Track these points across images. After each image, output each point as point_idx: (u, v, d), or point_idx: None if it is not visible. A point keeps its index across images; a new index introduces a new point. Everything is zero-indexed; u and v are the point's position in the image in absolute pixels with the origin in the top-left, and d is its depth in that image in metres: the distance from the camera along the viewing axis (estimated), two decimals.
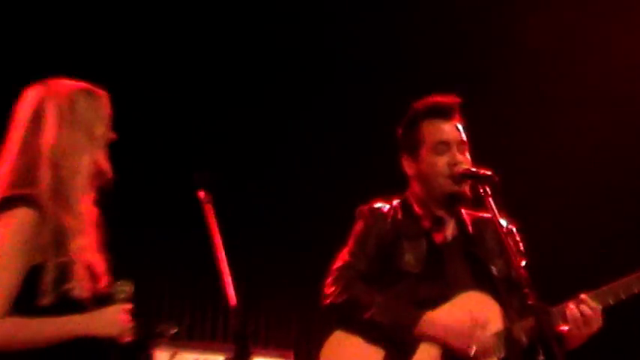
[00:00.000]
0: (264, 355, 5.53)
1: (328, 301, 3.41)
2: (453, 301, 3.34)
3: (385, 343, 3.32)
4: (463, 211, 3.51)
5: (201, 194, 3.16)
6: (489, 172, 3.27)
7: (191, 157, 3.90)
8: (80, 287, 2.72)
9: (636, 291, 3.26)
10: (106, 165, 2.89)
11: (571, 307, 3.23)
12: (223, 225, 3.13)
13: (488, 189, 3.23)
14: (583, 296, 3.24)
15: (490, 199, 3.21)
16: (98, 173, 2.87)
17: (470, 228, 3.49)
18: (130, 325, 2.82)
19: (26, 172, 2.76)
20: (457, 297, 3.35)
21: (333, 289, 3.40)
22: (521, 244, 3.42)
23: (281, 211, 6.19)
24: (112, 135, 2.94)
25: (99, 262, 2.86)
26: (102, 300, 2.81)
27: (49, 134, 2.80)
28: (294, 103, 6.05)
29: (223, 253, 3.06)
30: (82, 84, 2.93)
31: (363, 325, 3.34)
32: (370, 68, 5.89)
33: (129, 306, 2.84)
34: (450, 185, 3.40)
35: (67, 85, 2.91)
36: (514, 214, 3.37)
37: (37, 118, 2.83)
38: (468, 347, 3.25)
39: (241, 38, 5.85)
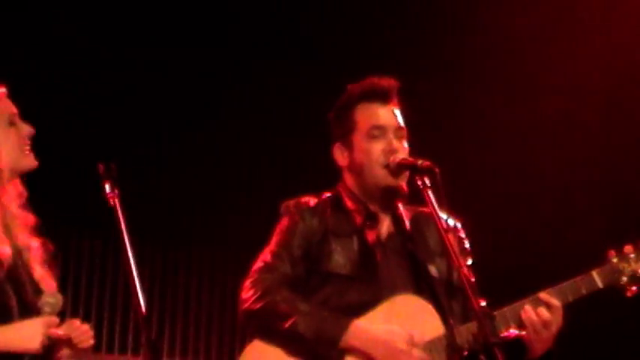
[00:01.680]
0: None
1: (245, 306, 3.09)
2: (384, 305, 3.05)
3: (307, 356, 3.02)
4: (400, 205, 3.22)
5: (107, 188, 2.83)
6: (429, 163, 3.00)
7: (93, 147, 3.65)
8: None
9: (601, 286, 3.04)
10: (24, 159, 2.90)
11: (527, 310, 2.97)
12: (132, 224, 2.80)
13: (427, 181, 2.96)
14: (541, 295, 2.99)
15: (429, 193, 2.94)
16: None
17: (408, 225, 3.20)
18: (52, 338, 2.72)
19: None
20: (390, 301, 3.06)
21: (250, 293, 3.08)
22: (466, 242, 3.18)
23: (198, 208, 5.97)
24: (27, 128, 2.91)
25: (36, 261, 2.86)
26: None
27: None
28: (208, 87, 5.84)
29: (131, 257, 2.75)
30: None
31: (282, 336, 3.03)
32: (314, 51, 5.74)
33: (53, 320, 2.75)
34: (385, 176, 3.11)
35: None
36: (459, 209, 3.13)
37: None
38: None
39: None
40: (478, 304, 2.73)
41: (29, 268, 2.86)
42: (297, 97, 5.42)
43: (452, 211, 3.13)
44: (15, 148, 2.84)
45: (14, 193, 2.89)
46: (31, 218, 2.91)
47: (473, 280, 2.87)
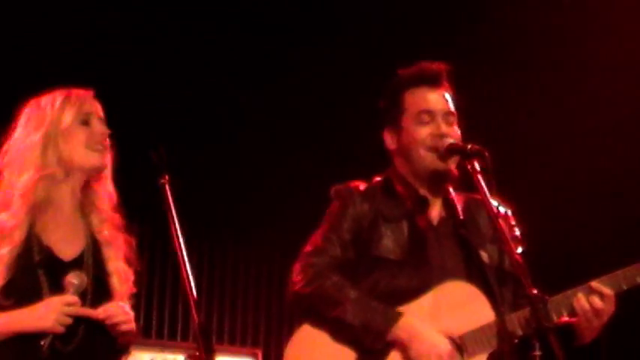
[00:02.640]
0: (230, 352, 5.45)
1: (294, 290, 3.11)
2: (434, 291, 3.06)
3: (354, 344, 3.04)
4: (451, 190, 3.22)
5: (158, 176, 2.88)
6: (479, 147, 2.98)
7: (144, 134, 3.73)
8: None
9: None
10: None
11: (579, 298, 2.97)
12: (182, 211, 2.86)
13: (477, 166, 2.94)
14: (593, 284, 2.98)
15: (480, 177, 2.92)
16: None
17: (459, 210, 3.19)
18: (67, 317, 2.77)
19: None
20: (439, 287, 3.06)
21: (301, 276, 3.11)
22: (516, 229, 3.14)
23: (249, 195, 6.04)
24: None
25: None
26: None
27: None
28: (258, 72, 5.86)
29: (182, 243, 2.82)
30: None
31: (330, 322, 3.05)
32: (355, 40, 5.73)
33: (73, 299, 2.79)
34: (433, 160, 3.12)
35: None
36: (509, 195, 3.10)
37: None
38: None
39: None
40: (531, 290, 2.71)
41: (104, 261, 2.95)
42: (350, 82, 5.43)
43: (502, 198, 3.09)
44: (81, 146, 2.95)
45: (102, 191, 3.02)
46: (117, 217, 3.03)
47: (525, 266, 2.87)
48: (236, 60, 5.83)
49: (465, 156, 2.99)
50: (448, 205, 3.21)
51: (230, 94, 5.89)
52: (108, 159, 3.03)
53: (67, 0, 5.30)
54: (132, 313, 2.92)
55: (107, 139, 3.00)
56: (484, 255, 3.14)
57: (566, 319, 3.02)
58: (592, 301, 2.95)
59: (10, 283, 2.78)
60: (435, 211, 3.20)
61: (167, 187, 2.84)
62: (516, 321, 2.98)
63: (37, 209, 2.87)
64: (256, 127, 6.01)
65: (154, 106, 5.62)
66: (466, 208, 3.21)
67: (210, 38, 5.67)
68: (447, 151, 3.07)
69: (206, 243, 6.18)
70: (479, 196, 3.04)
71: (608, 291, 2.96)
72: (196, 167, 5.59)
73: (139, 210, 3.35)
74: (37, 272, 2.82)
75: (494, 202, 2.99)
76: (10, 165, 2.93)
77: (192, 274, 2.77)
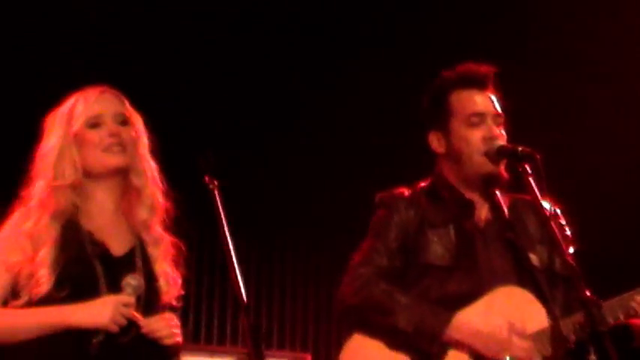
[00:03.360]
0: (279, 357, 5.54)
1: (343, 301, 3.13)
2: (486, 297, 3.05)
3: (408, 350, 3.04)
4: (498, 192, 3.19)
5: (207, 180, 2.89)
6: (529, 149, 2.96)
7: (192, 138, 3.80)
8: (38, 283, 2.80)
9: None
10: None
11: (638, 300, 2.94)
12: (231, 216, 2.85)
13: (528, 168, 2.91)
14: None
15: (530, 179, 2.89)
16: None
17: (506, 212, 3.17)
18: (123, 317, 2.79)
19: None
20: (491, 292, 3.05)
21: (349, 288, 3.12)
22: (567, 229, 3.12)
23: (298, 202, 6.05)
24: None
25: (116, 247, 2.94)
26: None
27: None
28: (310, 75, 5.89)
29: (232, 248, 2.81)
30: None
31: (382, 330, 3.06)
32: (394, 42, 5.73)
33: (130, 300, 2.81)
34: (485, 164, 3.10)
35: None
36: (558, 197, 3.09)
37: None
38: (501, 355, 2.97)
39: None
40: (585, 292, 2.67)
41: (151, 262, 2.96)
42: (396, 88, 5.40)
43: (552, 198, 3.07)
44: (96, 150, 2.93)
45: (146, 191, 2.99)
46: (163, 218, 3.03)
47: (578, 268, 2.84)
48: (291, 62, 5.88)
49: (516, 158, 2.97)
50: (495, 207, 3.20)
51: (282, 96, 5.93)
52: (131, 156, 2.97)
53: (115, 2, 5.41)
54: (177, 324, 2.92)
55: (124, 135, 2.95)
56: (533, 257, 3.12)
57: (622, 320, 2.97)
58: None
59: (63, 274, 2.79)
60: (482, 214, 3.19)
61: (216, 191, 2.83)
62: (570, 326, 2.95)
63: (68, 215, 2.88)
64: (306, 129, 6.03)
65: (203, 109, 5.67)
66: (512, 210, 3.19)
67: (260, 42, 5.72)
68: (498, 154, 3.06)
69: (255, 248, 6.23)
70: (526, 197, 3.04)
71: None
72: (246, 171, 5.64)
73: (188, 213, 3.37)
74: (93, 263, 2.83)
75: (544, 203, 2.98)
76: (32, 175, 2.96)
77: (242, 278, 2.76)
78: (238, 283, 2.74)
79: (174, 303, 2.99)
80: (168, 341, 2.84)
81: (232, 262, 2.80)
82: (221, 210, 2.83)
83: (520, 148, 2.98)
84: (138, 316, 2.82)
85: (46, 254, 2.81)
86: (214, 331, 6.07)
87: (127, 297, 2.81)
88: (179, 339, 2.89)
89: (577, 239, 3.10)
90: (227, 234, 2.84)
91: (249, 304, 2.79)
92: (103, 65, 5.09)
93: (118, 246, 2.92)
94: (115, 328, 2.77)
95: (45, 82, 4.23)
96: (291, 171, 6.06)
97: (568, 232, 3.13)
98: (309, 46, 5.76)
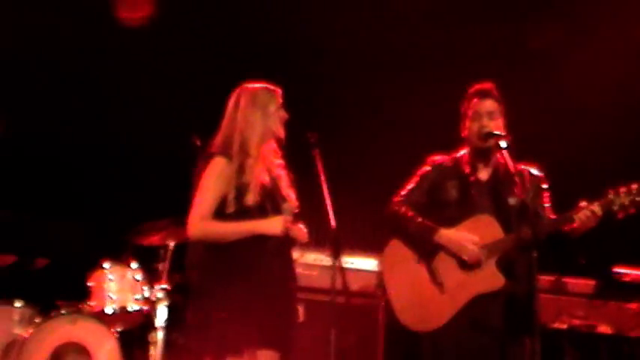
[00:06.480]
0: (356, 254, 6.52)
1: (385, 215, 4.72)
2: (467, 221, 4.56)
3: (418, 250, 4.60)
4: (499, 160, 4.61)
5: (313, 145, 4.39)
6: (503, 133, 4.57)
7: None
8: (252, 198, 4.19)
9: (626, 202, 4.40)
10: (278, 130, 4.43)
11: (580, 210, 4.42)
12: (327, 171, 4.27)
13: (503, 144, 4.49)
14: (582, 204, 4.45)
15: (504, 153, 4.47)
16: (273, 135, 4.42)
17: (501, 174, 4.60)
18: (289, 229, 4.20)
19: (228, 137, 4.37)
20: (471, 218, 4.57)
21: (390, 208, 4.74)
22: (545, 186, 4.67)
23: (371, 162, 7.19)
24: (284, 114, 4.43)
25: (284, 189, 4.32)
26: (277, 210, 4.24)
27: (240, 112, 4.38)
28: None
29: (325, 185, 4.27)
30: (262, 84, 4.46)
31: (404, 234, 4.63)
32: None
33: (289, 219, 4.25)
34: (478, 141, 4.67)
35: (253, 85, 4.46)
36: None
37: (235, 105, 4.41)
38: (460, 254, 4.44)
39: None
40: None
41: (279, 188, 4.33)
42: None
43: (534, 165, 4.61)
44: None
45: (272, 147, 4.39)
46: (280, 160, 4.39)
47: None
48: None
49: (497, 138, 4.58)
50: (495, 171, 4.64)
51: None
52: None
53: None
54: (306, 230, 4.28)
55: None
56: (512, 200, 4.57)
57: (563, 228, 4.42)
58: (583, 214, 4.40)
59: (261, 205, 4.20)
60: (484, 174, 4.70)
61: (317, 156, 4.34)
62: (514, 238, 4.42)
63: None
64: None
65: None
66: (508, 174, 4.50)
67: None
68: (485, 135, 4.63)
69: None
70: (524, 167, 4.59)
71: (596, 209, 4.39)
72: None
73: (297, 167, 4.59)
74: (266, 199, 4.22)
75: (532, 169, 4.63)
76: None
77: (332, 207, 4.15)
78: (328, 205, 4.21)
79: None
80: (303, 239, 4.30)
81: (325, 190, 4.25)
82: (320, 166, 4.28)
83: (497, 132, 4.57)
84: (293, 226, 4.24)
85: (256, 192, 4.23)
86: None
87: (288, 216, 4.23)
88: (306, 237, 4.33)
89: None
90: (323, 175, 4.28)
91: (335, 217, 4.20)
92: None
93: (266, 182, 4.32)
94: (283, 234, 4.19)
95: None
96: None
97: (545, 188, 4.66)
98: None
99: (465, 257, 4.56)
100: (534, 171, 4.74)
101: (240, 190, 4.21)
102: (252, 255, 4.20)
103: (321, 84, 7.01)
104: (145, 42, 7.04)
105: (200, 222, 4.17)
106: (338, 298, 4.34)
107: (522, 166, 4.69)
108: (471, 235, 4.57)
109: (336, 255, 4.25)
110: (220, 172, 4.22)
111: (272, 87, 4.46)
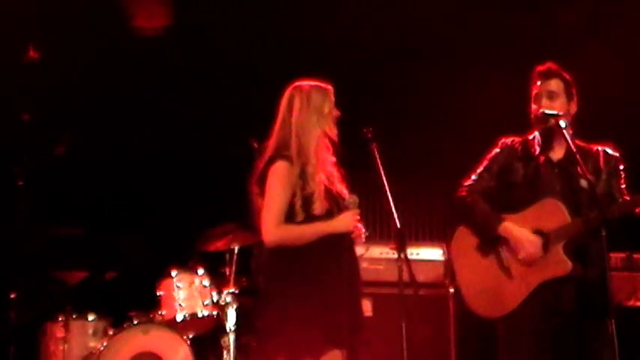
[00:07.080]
0: (421, 245, 6.63)
1: (454, 203, 4.69)
2: (537, 204, 4.48)
3: (484, 237, 4.60)
4: (569, 140, 4.45)
5: (370, 140, 4.39)
6: (558, 112, 4.51)
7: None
8: (319, 207, 4.22)
9: None
10: (332, 132, 4.37)
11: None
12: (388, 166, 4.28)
13: (562, 124, 4.45)
14: None
15: (564, 131, 4.44)
16: (328, 137, 4.35)
17: (574, 154, 4.42)
18: (357, 223, 4.22)
19: (283, 140, 4.31)
20: (539, 201, 4.48)
21: (456, 195, 4.71)
22: (621, 166, 4.58)
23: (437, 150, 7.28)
24: (337, 112, 4.36)
25: (337, 186, 4.28)
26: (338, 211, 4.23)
27: (295, 115, 4.31)
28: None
29: (387, 185, 4.27)
30: (315, 82, 4.38)
31: (470, 222, 4.66)
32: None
33: (357, 212, 4.28)
34: (538, 121, 4.62)
35: (306, 84, 4.39)
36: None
37: (289, 106, 4.34)
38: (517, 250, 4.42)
39: None
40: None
41: (333, 185, 4.31)
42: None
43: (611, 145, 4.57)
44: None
45: (325, 146, 4.34)
46: (332, 158, 4.34)
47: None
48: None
49: (553, 117, 4.52)
50: (568, 151, 4.50)
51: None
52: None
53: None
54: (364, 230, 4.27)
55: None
56: (584, 182, 4.43)
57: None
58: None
59: (329, 210, 4.22)
60: (555, 154, 4.60)
61: (375, 151, 4.38)
62: (585, 219, 4.33)
63: None
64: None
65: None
66: (582, 155, 4.44)
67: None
68: (543, 115, 4.55)
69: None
70: (594, 148, 4.55)
71: None
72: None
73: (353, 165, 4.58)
74: (331, 204, 4.24)
75: (609, 150, 4.55)
76: None
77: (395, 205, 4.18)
78: (390, 200, 4.25)
79: None
80: (360, 240, 4.28)
81: (385, 187, 4.25)
82: (379, 161, 4.32)
83: (551, 113, 4.51)
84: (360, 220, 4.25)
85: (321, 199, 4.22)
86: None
87: (356, 211, 4.24)
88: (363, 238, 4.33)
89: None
90: (382, 171, 4.28)
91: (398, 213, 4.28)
92: None
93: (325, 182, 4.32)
94: (351, 230, 4.23)
95: None
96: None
97: (621, 169, 4.56)
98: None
99: (520, 257, 4.53)
100: (610, 151, 4.65)
101: (306, 200, 4.22)
102: (317, 255, 4.22)
103: (375, 77, 7.14)
104: (193, 51, 7.18)
105: (276, 228, 4.19)
106: (406, 291, 4.37)
107: (597, 147, 4.63)
108: (533, 236, 4.52)
109: (401, 248, 4.30)
110: (286, 177, 4.21)
111: (324, 85, 4.40)
